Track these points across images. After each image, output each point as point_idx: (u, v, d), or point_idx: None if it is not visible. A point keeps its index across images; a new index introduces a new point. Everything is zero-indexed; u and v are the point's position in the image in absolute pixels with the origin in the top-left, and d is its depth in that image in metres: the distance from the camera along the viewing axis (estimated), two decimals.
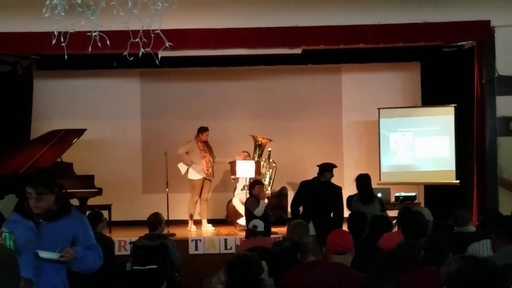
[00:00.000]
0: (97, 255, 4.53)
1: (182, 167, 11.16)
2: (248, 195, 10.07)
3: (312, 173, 12.78)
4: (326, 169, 9.22)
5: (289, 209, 12.27)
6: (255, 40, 10.10)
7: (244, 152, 11.60)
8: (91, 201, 11.02)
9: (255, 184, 9.97)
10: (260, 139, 11.88)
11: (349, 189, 12.58)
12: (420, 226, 5.65)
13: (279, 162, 12.01)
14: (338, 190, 9.19)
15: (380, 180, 11.51)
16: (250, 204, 9.75)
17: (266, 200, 11.05)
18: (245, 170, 10.91)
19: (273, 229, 10.27)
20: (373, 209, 8.23)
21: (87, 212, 9.96)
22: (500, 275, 2.75)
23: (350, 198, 9.03)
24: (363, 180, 8.91)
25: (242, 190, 11.19)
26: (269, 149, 11.79)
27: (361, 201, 8.62)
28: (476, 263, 2.81)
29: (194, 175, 11.08)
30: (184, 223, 11.33)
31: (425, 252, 4.60)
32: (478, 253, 5.51)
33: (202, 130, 11.14)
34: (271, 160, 11.83)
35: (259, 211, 9.58)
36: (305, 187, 9.28)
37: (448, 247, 4.59)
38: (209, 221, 11.40)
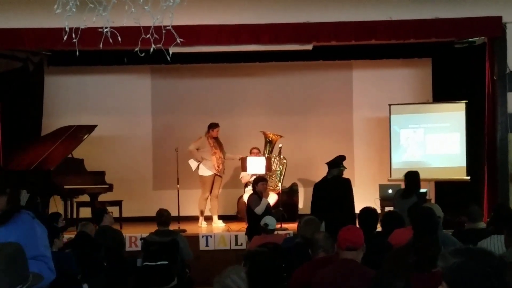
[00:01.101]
0: (44, 268, 3.72)
1: (193, 163, 11.17)
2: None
3: (322, 169, 12.81)
4: (333, 165, 9.21)
5: (299, 206, 12.33)
6: (267, 36, 10.09)
7: (254, 149, 11.60)
8: (102, 197, 11.07)
9: (258, 181, 9.96)
10: (271, 135, 11.87)
11: (359, 185, 12.63)
12: (430, 222, 5.64)
13: (289, 159, 12.01)
14: (346, 183, 9.18)
15: (390, 176, 11.49)
16: (252, 201, 9.74)
17: (276, 196, 11.06)
18: (256, 166, 10.92)
19: (284, 225, 10.27)
20: (408, 203, 8.15)
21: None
22: (500, 267, 2.74)
23: (396, 192, 9.04)
24: (406, 176, 8.90)
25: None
26: (280, 145, 11.78)
27: (401, 195, 8.61)
28: (475, 255, 2.81)
29: (205, 171, 11.09)
30: (194, 219, 11.35)
31: (413, 257, 4.57)
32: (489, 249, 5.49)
33: (213, 126, 11.14)
34: (281, 156, 11.83)
35: (259, 209, 9.55)
36: (316, 189, 9.29)
37: (438, 250, 4.55)
38: (220, 217, 11.42)
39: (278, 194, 11.33)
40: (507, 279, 2.74)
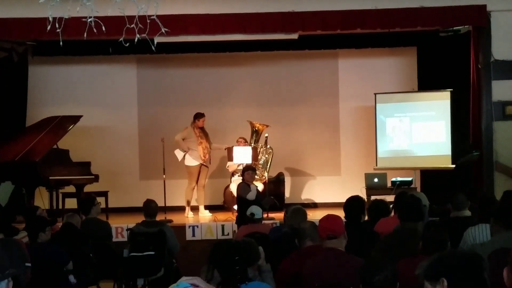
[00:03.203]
0: None
1: (179, 154, 11.15)
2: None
3: (309, 158, 12.85)
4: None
5: (286, 195, 12.36)
6: (253, 25, 10.07)
7: (240, 138, 11.59)
8: (88, 188, 11.02)
9: (245, 170, 10.00)
10: (257, 125, 11.86)
11: (346, 174, 12.68)
12: (416, 210, 5.67)
13: (276, 148, 12.01)
14: None
15: (376, 165, 11.52)
16: (241, 189, 9.78)
17: (262, 185, 11.06)
18: (242, 156, 10.92)
19: (270, 215, 10.28)
20: None
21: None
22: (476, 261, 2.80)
23: None
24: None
25: (239, 176, 11.20)
26: (266, 134, 11.77)
27: None
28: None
29: (191, 161, 11.08)
30: (181, 209, 11.33)
31: (424, 242, 4.60)
32: (475, 238, 5.53)
33: (199, 116, 11.12)
34: (268, 146, 11.82)
35: (251, 195, 9.61)
36: None
37: (447, 235, 4.60)
38: (206, 207, 11.42)
39: (264, 183, 11.33)
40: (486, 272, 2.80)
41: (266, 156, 11.79)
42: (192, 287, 2.41)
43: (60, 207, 10.89)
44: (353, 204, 6.49)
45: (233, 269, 4.16)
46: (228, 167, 11.76)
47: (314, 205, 12.49)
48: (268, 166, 11.78)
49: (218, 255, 4.26)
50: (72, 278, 6.61)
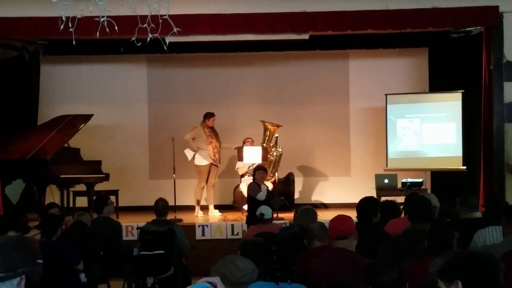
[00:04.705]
0: None
1: (189, 153, 11.16)
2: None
3: (318, 159, 12.85)
4: None
5: (295, 195, 12.36)
6: (263, 25, 10.06)
7: (248, 139, 11.60)
8: (98, 187, 11.06)
9: (256, 170, 10.00)
10: (269, 126, 11.86)
11: (355, 174, 12.66)
12: (426, 211, 5.65)
13: (286, 148, 12.01)
14: None
15: (387, 166, 11.51)
16: (252, 189, 9.78)
17: (271, 185, 11.05)
18: (252, 155, 10.91)
19: (280, 215, 10.28)
20: None
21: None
22: (493, 263, 2.78)
23: None
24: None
25: (249, 176, 11.21)
26: (276, 135, 11.78)
27: None
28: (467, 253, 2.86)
29: (201, 160, 11.09)
30: (191, 208, 11.35)
31: (429, 240, 4.59)
32: (485, 240, 5.52)
33: (208, 115, 11.13)
34: (278, 146, 11.82)
35: (261, 195, 9.61)
36: None
37: (453, 235, 4.58)
38: (216, 207, 11.43)
39: (274, 183, 11.33)
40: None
41: (275, 154, 11.77)
42: (211, 287, 2.43)
43: (71, 205, 10.94)
44: (366, 204, 6.47)
45: (290, 265, 4.15)
46: (237, 169, 11.76)
47: (324, 206, 12.49)
48: (272, 166, 11.70)
49: (276, 248, 4.23)
50: (83, 277, 6.65)
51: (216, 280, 2.49)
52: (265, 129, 11.89)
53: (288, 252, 4.21)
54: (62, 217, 7.48)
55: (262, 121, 11.94)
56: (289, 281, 4.07)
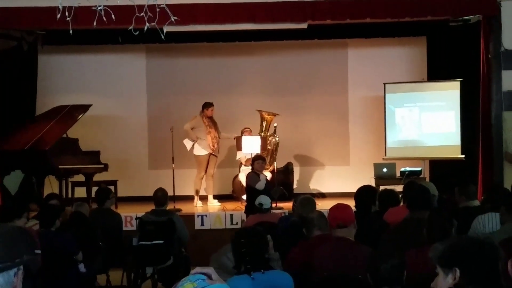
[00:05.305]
0: None
1: (188, 143, 11.15)
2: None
3: (317, 148, 12.86)
4: None
5: (294, 185, 12.36)
6: (262, 14, 10.03)
7: (246, 128, 11.60)
8: (97, 177, 11.06)
9: (255, 160, 10.00)
10: (266, 115, 11.85)
11: (354, 163, 12.67)
12: (424, 199, 5.66)
13: (285, 138, 12.01)
14: None
15: (385, 155, 11.51)
16: (251, 179, 9.78)
17: (269, 174, 11.05)
18: (251, 145, 10.91)
19: (279, 205, 10.28)
20: None
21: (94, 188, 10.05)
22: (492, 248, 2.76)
23: None
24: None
25: (246, 166, 11.23)
26: (275, 124, 11.77)
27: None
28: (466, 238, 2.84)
29: (200, 150, 11.08)
30: (190, 198, 11.36)
31: (428, 228, 4.60)
32: (484, 226, 5.53)
33: (207, 105, 11.11)
34: (275, 135, 11.82)
35: (260, 185, 9.61)
36: None
37: (451, 223, 4.59)
38: (215, 197, 11.43)
39: (272, 172, 11.33)
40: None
41: (272, 143, 11.76)
42: (207, 278, 2.42)
43: (70, 196, 10.94)
44: (364, 193, 6.49)
45: (260, 255, 4.15)
46: (239, 159, 11.76)
47: (322, 195, 12.49)
48: (270, 155, 11.69)
49: (245, 241, 4.20)
50: (82, 268, 6.65)
51: (210, 270, 2.48)
52: (262, 118, 11.89)
53: (258, 242, 4.19)
54: (62, 208, 7.49)
55: (259, 111, 11.93)
56: (262, 270, 4.07)
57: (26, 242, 2.65)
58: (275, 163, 11.55)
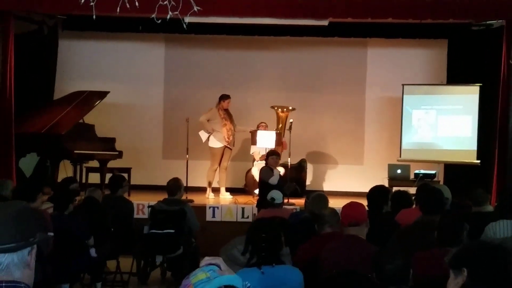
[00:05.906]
0: None
1: (203, 135, 11.15)
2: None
3: (331, 146, 12.83)
4: None
5: (307, 182, 12.35)
6: (283, 9, 10.00)
7: (262, 123, 11.59)
8: (111, 164, 11.11)
9: (270, 155, 10.00)
10: (280, 112, 11.84)
11: (368, 163, 12.63)
12: (438, 202, 5.63)
13: (299, 135, 11.99)
14: None
15: (400, 156, 11.47)
16: (264, 173, 9.79)
17: (282, 169, 11.03)
18: (266, 140, 10.91)
19: (291, 201, 10.28)
20: None
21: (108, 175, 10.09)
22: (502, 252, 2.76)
23: None
24: None
25: (261, 160, 11.21)
26: (291, 120, 11.75)
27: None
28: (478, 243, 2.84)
29: (215, 143, 11.08)
30: (202, 190, 11.38)
31: (439, 232, 4.58)
32: (496, 233, 5.50)
33: (224, 97, 11.11)
34: (290, 131, 11.79)
35: (274, 179, 9.62)
36: None
37: (463, 227, 4.56)
38: (227, 190, 11.44)
39: (285, 168, 11.31)
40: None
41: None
42: (217, 268, 2.44)
43: (83, 181, 11.00)
44: (376, 193, 6.48)
45: (275, 249, 4.15)
46: (253, 153, 11.75)
47: (335, 194, 12.45)
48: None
49: (262, 233, 4.21)
50: (93, 252, 6.70)
51: (219, 261, 2.49)
52: (277, 115, 11.88)
53: (275, 236, 4.20)
54: (77, 192, 7.54)
55: (273, 107, 11.92)
56: (273, 264, 4.07)
57: (39, 222, 2.67)
58: (289, 159, 11.51)
